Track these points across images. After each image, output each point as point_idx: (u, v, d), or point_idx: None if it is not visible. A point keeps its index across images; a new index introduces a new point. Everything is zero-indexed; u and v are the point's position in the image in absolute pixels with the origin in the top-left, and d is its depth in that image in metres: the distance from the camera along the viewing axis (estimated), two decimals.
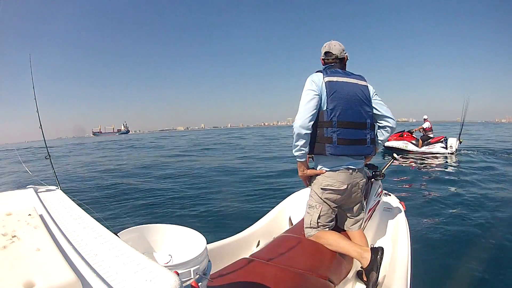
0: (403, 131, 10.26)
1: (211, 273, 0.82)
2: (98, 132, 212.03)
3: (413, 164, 7.88)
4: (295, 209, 2.11)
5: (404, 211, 2.03)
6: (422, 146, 9.80)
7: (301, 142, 1.45)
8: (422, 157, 9.17)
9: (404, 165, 7.85)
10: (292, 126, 1.47)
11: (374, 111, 1.57)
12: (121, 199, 4.68)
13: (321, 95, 1.46)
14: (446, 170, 7.01)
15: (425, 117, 10.17)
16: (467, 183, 5.43)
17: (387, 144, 9.71)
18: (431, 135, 10.03)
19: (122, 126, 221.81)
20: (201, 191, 5.04)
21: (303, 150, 1.47)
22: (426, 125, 10.01)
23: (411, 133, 10.16)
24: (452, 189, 5.06)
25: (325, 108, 1.45)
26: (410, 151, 9.78)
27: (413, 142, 9.95)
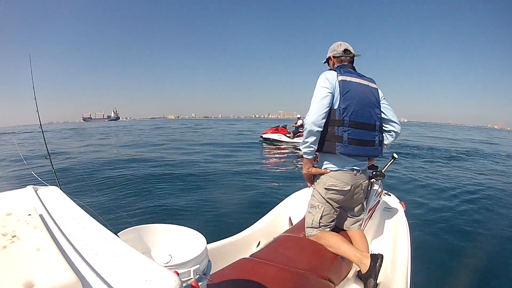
0: (279, 126, 13.27)
1: (211, 273, 0.82)
2: (88, 118, 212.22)
3: (286, 151, 10.79)
4: (295, 209, 2.11)
5: (404, 211, 2.03)
6: (293, 138, 12.48)
7: (311, 139, 1.45)
8: (294, 146, 11.74)
9: (278, 151, 10.84)
10: (304, 122, 1.47)
11: (382, 114, 1.58)
12: (121, 198, 4.67)
13: (333, 93, 1.46)
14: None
15: (298, 116, 13.61)
16: None
17: (264, 135, 13.12)
18: (301, 130, 12.24)
19: (112, 113, 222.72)
20: (202, 189, 5.03)
21: (313, 147, 1.48)
22: (299, 122, 12.85)
23: (285, 127, 12.99)
24: None
25: (336, 107, 1.46)
26: (283, 141, 12.59)
27: (287, 135, 12.72)
